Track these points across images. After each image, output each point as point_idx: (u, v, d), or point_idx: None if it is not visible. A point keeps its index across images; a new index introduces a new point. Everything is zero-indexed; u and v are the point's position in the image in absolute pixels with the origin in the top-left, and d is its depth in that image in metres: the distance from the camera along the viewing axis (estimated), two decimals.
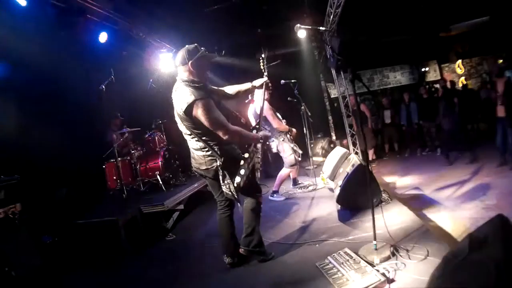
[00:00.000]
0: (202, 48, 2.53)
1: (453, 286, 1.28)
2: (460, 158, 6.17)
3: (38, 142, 4.45)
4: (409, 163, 6.83)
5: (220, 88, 2.86)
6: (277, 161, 4.72)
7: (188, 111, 2.36)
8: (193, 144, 2.60)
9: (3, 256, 3.06)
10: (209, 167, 2.58)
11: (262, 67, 2.98)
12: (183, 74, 2.50)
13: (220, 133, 2.46)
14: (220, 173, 2.54)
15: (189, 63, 2.45)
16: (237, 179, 2.47)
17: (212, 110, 2.41)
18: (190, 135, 2.55)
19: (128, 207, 4.21)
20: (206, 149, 2.54)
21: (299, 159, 4.82)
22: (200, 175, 2.81)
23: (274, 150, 4.78)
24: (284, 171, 4.77)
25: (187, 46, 2.53)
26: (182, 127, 2.55)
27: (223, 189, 2.57)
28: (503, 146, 5.03)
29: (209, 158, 2.56)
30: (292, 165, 4.72)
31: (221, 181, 2.56)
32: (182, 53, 2.50)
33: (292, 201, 4.59)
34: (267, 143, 4.53)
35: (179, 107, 2.43)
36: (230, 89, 2.87)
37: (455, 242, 2.65)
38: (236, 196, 2.54)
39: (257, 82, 2.87)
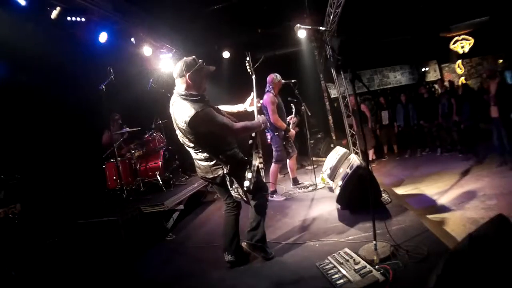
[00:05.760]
0: (200, 60, 2.55)
1: (453, 286, 1.28)
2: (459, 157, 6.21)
3: (38, 142, 4.45)
4: (409, 163, 6.83)
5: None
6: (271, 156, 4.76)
7: (192, 124, 2.39)
8: (197, 155, 2.66)
9: (3, 256, 3.07)
10: (216, 175, 2.64)
11: (248, 70, 3.02)
12: (181, 87, 2.52)
13: (230, 134, 2.59)
14: (227, 179, 2.63)
15: (187, 75, 2.46)
16: (246, 183, 2.52)
17: (215, 117, 2.47)
18: (193, 147, 2.60)
19: (128, 207, 4.20)
20: (211, 158, 2.60)
21: (284, 161, 4.88)
22: (207, 182, 2.90)
23: (268, 141, 4.81)
24: (272, 167, 4.79)
25: (185, 58, 2.55)
26: (185, 140, 2.59)
27: (232, 193, 2.69)
28: (500, 146, 5.06)
29: (214, 167, 2.62)
30: (278, 161, 4.75)
31: (229, 186, 2.66)
32: (180, 65, 2.51)
33: (292, 201, 4.59)
34: (265, 132, 4.68)
35: (181, 122, 2.45)
36: (224, 108, 2.94)
37: (455, 242, 2.65)
38: (246, 199, 2.66)
39: (247, 103, 2.98)
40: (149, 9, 5.67)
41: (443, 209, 3.88)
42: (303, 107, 5.17)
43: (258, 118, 2.84)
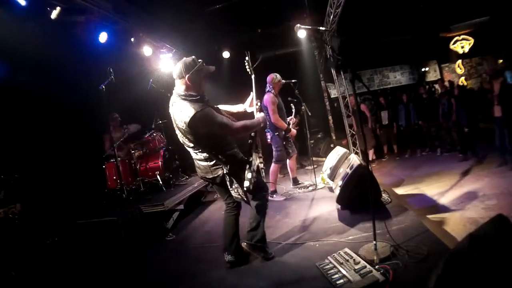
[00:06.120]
0: (199, 61, 2.54)
1: (453, 286, 1.28)
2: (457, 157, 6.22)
3: (38, 142, 4.45)
4: (409, 163, 6.83)
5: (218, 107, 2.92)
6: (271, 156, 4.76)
7: (192, 124, 2.39)
8: (197, 155, 2.66)
9: (3, 256, 3.07)
10: (215, 175, 2.65)
11: (248, 69, 3.02)
12: (180, 88, 2.52)
13: (229, 134, 2.59)
14: (227, 179, 2.63)
15: (186, 77, 2.46)
16: (246, 183, 2.52)
17: (214, 116, 2.47)
18: (193, 147, 2.61)
19: (128, 207, 4.20)
20: (210, 158, 2.61)
21: (284, 161, 4.87)
22: (207, 182, 2.91)
23: (268, 141, 4.81)
24: (272, 167, 4.79)
25: (184, 58, 2.54)
26: (185, 140, 2.59)
27: (232, 193, 2.68)
28: (501, 146, 5.06)
29: (214, 167, 2.63)
30: (278, 160, 4.75)
31: (229, 186, 2.66)
32: (179, 66, 2.50)
33: (292, 201, 4.59)
34: (265, 132, 4.68)
35: (181, 122, 2.46)
36: (224, 108, 2.94)
37: (455, 242, 2.65)
38: (246, 199, 2.66)
39: (247, 104, 2.99)
40: (149, 9, 5.66)
41: (443, 209, 3.88)
42: (303, 107, 5.17)
43: (257, 116, 2.84)
